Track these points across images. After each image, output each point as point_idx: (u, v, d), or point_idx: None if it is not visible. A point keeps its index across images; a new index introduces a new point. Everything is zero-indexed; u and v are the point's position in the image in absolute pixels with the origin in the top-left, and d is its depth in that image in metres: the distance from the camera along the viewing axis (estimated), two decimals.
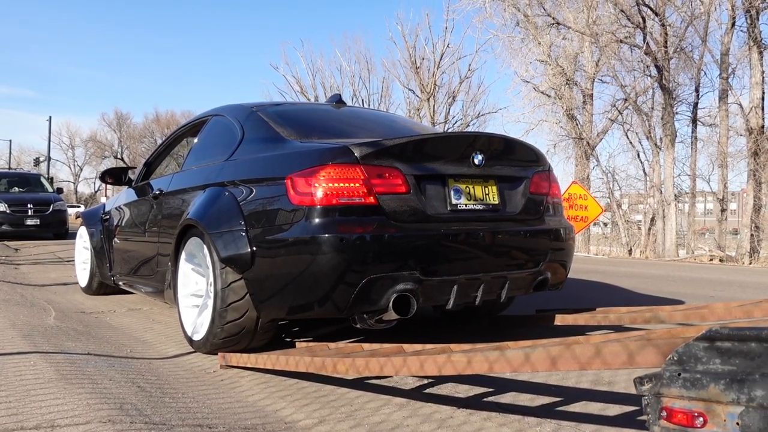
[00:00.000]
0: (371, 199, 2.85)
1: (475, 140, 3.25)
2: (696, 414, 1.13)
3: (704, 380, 1.14)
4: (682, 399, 1.15)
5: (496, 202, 3.24)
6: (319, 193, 2.82)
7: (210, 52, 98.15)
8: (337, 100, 4.33)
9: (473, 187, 3.16)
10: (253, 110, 3.79)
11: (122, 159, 65.10)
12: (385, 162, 2.92)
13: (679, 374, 1.16)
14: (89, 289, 5.60)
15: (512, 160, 3.38)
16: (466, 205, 3.12)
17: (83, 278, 5.74)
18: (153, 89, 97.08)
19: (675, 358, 1.19)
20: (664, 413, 1.16)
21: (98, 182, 66.13)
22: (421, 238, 2.92)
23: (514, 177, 3.34)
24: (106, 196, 39.09)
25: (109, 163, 64.62)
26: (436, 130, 4.75)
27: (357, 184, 2.84)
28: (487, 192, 3.21)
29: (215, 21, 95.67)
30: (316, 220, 2.82)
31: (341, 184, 2.83)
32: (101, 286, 5.49)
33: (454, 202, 3.07)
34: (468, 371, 1.74)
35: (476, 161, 3.13)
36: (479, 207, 3.17)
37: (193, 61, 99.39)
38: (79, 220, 6.12)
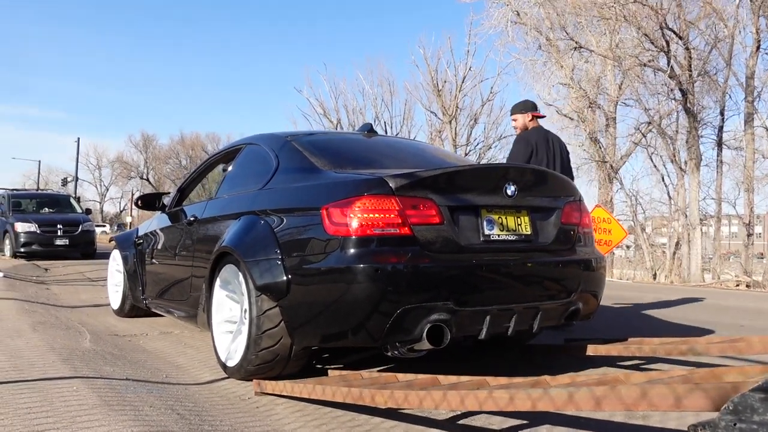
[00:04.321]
0: (406, 230, 2.89)
1: (508, 171, 3.29)
2: None
3: (761, 431, 1.16)
4: None
5: (529, 233, 3.26)
6: (355, 224, 2.87)
7: (235, 75, 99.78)
8: (369, 130, 4.40)
9: (506, 218, 3.19)
10: (287, 140, 3.86)
11: (148, 179, 66.03)
12: (420, 193, 2.96)
13: (735, 424, 1.18)
14: (121, 312, 5.70)
15: (544, 190, 3.41)
16: (498, 235, 3.15)
17: (116, 301, 5.84)
18: (179, 111, 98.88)
19: (731, 408, 1.21)
20: None
21: (123, 202, 67.15)
22: (455, 269, 2.95)
23: (545, 207, 3.37)
24: (131, 215, 39.62)
25: (135, 184, 65.69)
26: (467, 160, 4.79)
27: (392, 215, 2.88)
28: (519, 222, 3.24)
29: (240, 46, 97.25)
30: (352, 250, 2.86)
31: (376, 215, 2.88)
32: (133, 308, 5.58)
33: (486, 232, 3.11)
34: (510, 408, 1.76)
35: (509, 192, 3.16)
36: (512, 237, 3.20)
37: (219, 84, 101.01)
38: (112, 243, 6.23)
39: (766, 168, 16.19)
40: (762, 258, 17.06)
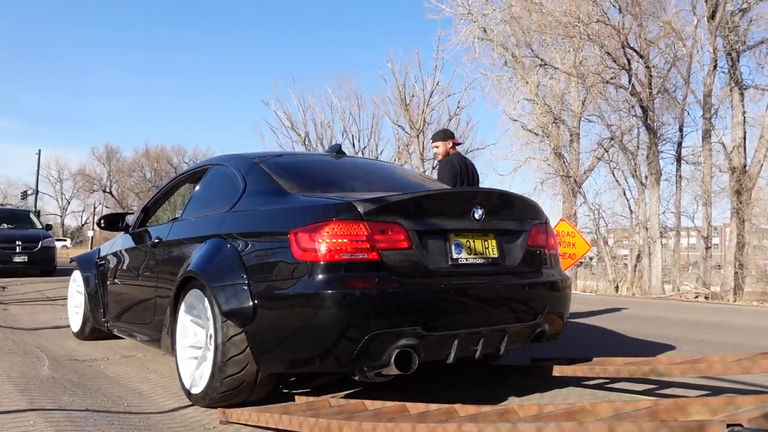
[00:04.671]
0: (374, 255, 2.88)
1: (475, 196, 3.32)
2: None
3: None
4: None
5: (496, 256, 3.28)
6: (323, 249, 2.85)
7: (203, 87, 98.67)
8: (337, 151, 4.39)
9: (473, 241, 3.21)
10: (255, 162, 3.83)
11: (111, 193, 64.90)
12: (388, 218, 2.96)
13: None
14: (81, 335, 5.56)
15: (511, 213, 3.44)
16: (466, 259, 3.16)
17: (76, 323, 5.70)
18: (144, 123, 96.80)
19: None
20: None
21: (85, 215, 65.87)
22: (423, 293, 2.96)
23: (512, 230, 3.39)
24: (93, 229, 38.83)
25: (98, 197, 64.40)
26: (436, 183, 4.82)
27: (360, 240, 2.87)
28: (486, 246, 3.26)
29: (208, 56, 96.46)
30: (320, 276, 2.84)
31: (345, 240, 2.86)
32: (94, 331, 5.44)
33: (455, 256, 3.12)
34: None
35: (476, 216, 3.18)
36: (479, 261, 3.21)
37: (186, 96, 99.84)
38: (73, 263, 6.09)
39: (723, 182, 16.59)
40: (719, 269, 17.45)
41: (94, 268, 5.37)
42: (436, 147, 5.73)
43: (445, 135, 5.84)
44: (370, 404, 2.78)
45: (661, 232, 17.04)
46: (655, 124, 16.52)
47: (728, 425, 1.30)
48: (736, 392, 3.55)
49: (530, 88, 18.41)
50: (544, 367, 3.72)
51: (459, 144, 6.00)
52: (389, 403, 2.71)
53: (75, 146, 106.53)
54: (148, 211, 4.97)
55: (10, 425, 2.82)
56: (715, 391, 3.58)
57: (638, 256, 17.99)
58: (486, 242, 3.26)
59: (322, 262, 2.85)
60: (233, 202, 3.64)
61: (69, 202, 68.66)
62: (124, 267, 4.82)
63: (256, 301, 3.04)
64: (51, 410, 3.10)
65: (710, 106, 16.13)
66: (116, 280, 4.91)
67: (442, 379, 4.02)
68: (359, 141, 30.85)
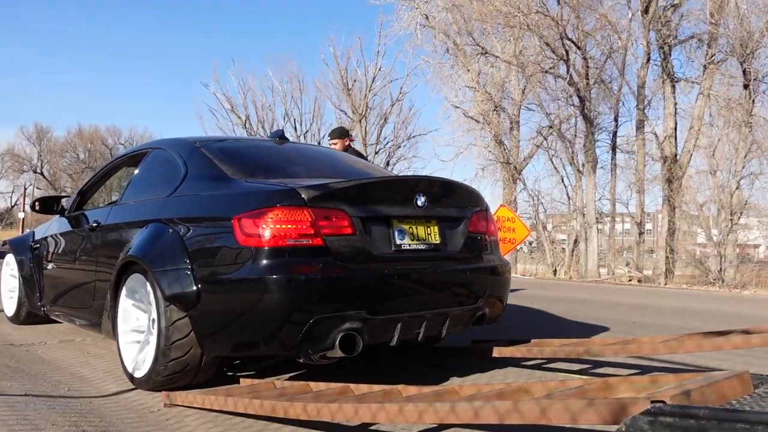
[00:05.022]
0: (318, 241, 2.93)
1: (418, 183, 3.39)
2: None
3: None
4: None
5: (438, 242, 3.37)
6: (267, 234, 2.88)
7: (139, 65, 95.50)
8: (280, 136, 4.39)
9: (416, 228, 3.29)
10: (196, 146, 3.80)
11: (42, 173, 62.37)
12: (332, 204, 3.00)
13: None
14: (17, 319, 5.41)
15: (452, 201, 3.54)
16: (409, 245, 3.24)
17: (10, 307, 5.54)
18: (76, 102, 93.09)
19: (623, 430, 1.34)
20: None
21: (15, 196, 63.21)
22: (367, 278, 3.02)
23: (454, 217, 3.49)
24: (24, 211, 37.37)
25: (28, 178, 61.72)
26: (379, 168, 4.88)
27: (304, 226, 2.91)
28: (429, 232, 3.34)
29: (144, 32, 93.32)
30: (264, 261, 2.87)
31: (289, 226, 2.90)
32: (29, 315, 5.31)
33: (398, 242, 3.19)
34: (419, 422, 1.85)
35: (419, 203, 3.26)
36: (422, 246, 3.29)
37: (121, 74, 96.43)
38: (6, 246, 5.90)
39: (655, 171, 17.23)
40: (652, 253, 18.18)
41: (28, 251, 5.22)
42: (334, 144, 6.29)
43: (341, 133, 6.55)
44: (314, 386, 2.83)
45: (597, 218, 17.61)
46: (591, 114, 17.00)
47: (652, 402, 1.41)
48: (663, 371, 3.76)
49: (471, 75, 18.64)
50: (484, 349, 3.85)
51: (353, 141, 6.83)
52: (333, 385, 2.77)
53: (1, 125, 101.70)
54: (84, 194, 4.86)
55: None
56: (644, 370, 3.79)
57: (575, 241, 18.54)
58: (428, 228, 3.35)
59: (266, 248, 2.88)
60: (174, 186, 3.61)
61: None
62: (61, 251, 4.71)
63: (199, 286, 3.05)
64: None
65: (644, 97, 16.71)
66: (53, 264, 4.80)
67: (385, 359, 4.11)
68: (301, 125, 30.57)
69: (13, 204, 64.22)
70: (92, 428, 2.68)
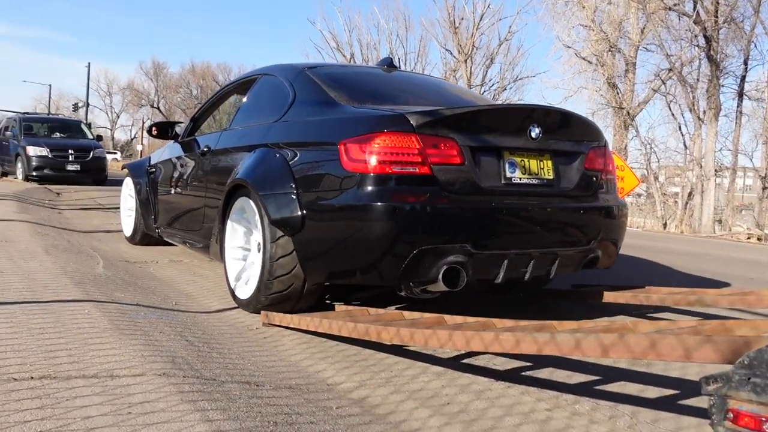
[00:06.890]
0: (426, 169, 2.83)
1: (533, 113, 3.18)
2: (764, 419, 1.15)
3: None
4: (751, 403, 1.17)
5: (551, 177, 3.21)
6: (374, 161, 2.82)
7: (249, 4, 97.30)
8: (389, 64, 4.29)
9: (528, 161, 3.13)
10: (304, 71, 3.78)
11: (158, 108, 65.59)
12: (441, 132, 2.89)
13: (749, 378, 1.18)
14: (133, 239, 5.75)
15: (568, 134, 3.33)
16: (520, 178, 3.09)
17: (128, 228, 5.88)
18: (190, 40, 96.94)
19: (746, 362, 1.21)
20: (731, 415, 1.18)
21: (134, 129, 67.01)
22: (474, 211, 2.92)
23: (569, 152, 3.30)
24: (142, 144, 39.62)
25: (146, 112, 65.24)
26: (488, 99, 4.70)
27: (412, 154, 2.82)
28: (542, 166, 3.18)
29: None
30: (369, 188, 2.82)
31: (396, 153, 2.82)
32: (144, 236, 5.62)
33: (508, 175, 3.05)
34: (516, 351, 1.77)
35: (533, 134, 3.09)
36: (534, 181, 3.14)
37: (231, 12, 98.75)
38: (125, 171, 6.24)
39: None
40: None
41: (145, 175, 5.49)
42: None
43: None
44: (408, 315, 2.82)
45: (716, 170, 16.52)
46: (718, 56, 15.73)
47: None
48: None
49: (587, 13, 17.64)
50: (586, 293, 3.70)
51: None
52: (427, 315, 2.74)
53: (123, 61, 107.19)
54: (196, 121, 5.01)
55: (67, 313, 2.96)
56: None
57: (690, 194, 17.54)
58: (542, 162, 3.18)
59: (371, 174, 2.82)
60: (282, 111, 3.62)
61: (118, 116, 69.89)
62: (174, 175, 4.90)
63: (304, 211, 3.04)
64: (105, 302, 3.25)
65: None
66: (166, 188, 5.01)
67: (481, 300, 4.05)
68: (406, 64, 30.15)
69: (132, 137, 68.20)
70: (195, 339, 2.80)
